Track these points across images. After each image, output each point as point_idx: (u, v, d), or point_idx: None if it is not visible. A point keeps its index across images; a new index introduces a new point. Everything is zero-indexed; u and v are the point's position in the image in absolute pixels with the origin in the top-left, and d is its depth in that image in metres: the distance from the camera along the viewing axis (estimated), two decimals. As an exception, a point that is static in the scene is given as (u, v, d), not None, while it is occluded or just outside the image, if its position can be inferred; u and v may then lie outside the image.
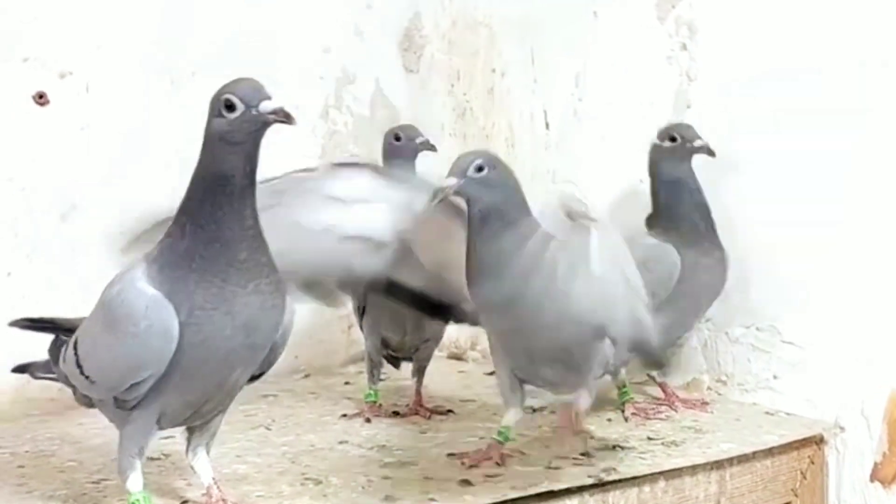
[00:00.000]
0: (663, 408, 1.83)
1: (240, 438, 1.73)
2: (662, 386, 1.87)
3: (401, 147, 1.85)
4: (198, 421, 1.36)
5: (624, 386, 1.83)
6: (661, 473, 1.61)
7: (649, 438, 1.71)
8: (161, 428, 1.34)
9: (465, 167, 1.47)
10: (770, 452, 1.74)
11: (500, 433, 1.58)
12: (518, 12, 2.23)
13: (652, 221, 1.83)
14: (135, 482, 1.32)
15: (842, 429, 1.81)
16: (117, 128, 2.05)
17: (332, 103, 2.33)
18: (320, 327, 2.28)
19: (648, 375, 1.90)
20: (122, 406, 1.31)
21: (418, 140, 1.86)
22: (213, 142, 1.25)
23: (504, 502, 1.46)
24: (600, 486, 1.55)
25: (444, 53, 2.35)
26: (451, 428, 1.80)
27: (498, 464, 1.56)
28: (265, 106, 1.23)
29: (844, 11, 1.80)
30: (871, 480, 1.79)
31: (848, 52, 1.79)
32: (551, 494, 1.50)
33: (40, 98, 1.99)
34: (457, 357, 2.34)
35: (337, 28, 2.32)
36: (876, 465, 1.79)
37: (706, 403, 1.87)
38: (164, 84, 2.12)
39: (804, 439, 1.78)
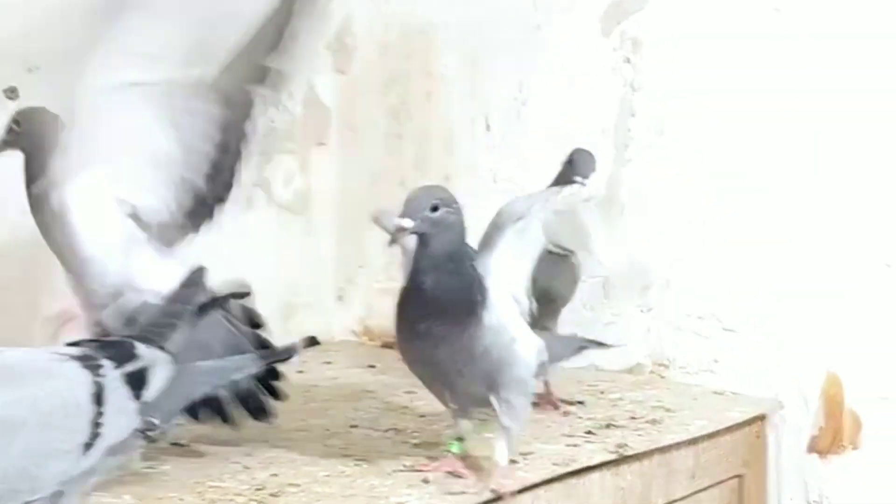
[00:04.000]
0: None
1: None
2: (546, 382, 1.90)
3: (563, 174, 1.89)
4: None
5: None
6: (657, 449, 1.79)
7: (632, 418, 1.88)
8: None
9: (422, 207, 1.45)
10: (730, 429, 1.94)
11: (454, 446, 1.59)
12: (457, 21, 2.36)
13: None
14: None
15: (781, 406, 2.03)
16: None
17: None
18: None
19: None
20: None
21: (576, 178, 1.86)
22: None
23: (554, 478, 1.60)
24: (614, 462, 1.71)
25: (378, 56, 2.45)
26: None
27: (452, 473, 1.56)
28: None
29: (776, 24, 2.03)
30: (809, 452, 2.02)
31: (784, 60, 2.02)
32: (585, 470, 1.65)
33: (11, 93, 1.99)
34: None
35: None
36: (813, 437, 2.02)
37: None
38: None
39: (754, 416, 1.99)
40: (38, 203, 1.57)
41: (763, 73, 2.04)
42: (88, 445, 1.20)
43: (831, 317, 2.00)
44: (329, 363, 2.28)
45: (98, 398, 1.21)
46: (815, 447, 2.02)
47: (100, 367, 1.22)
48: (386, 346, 2.48)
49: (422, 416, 1.88)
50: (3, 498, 1.16)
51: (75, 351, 1.25)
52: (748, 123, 2.06)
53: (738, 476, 1.97)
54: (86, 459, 1.20)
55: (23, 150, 1.60)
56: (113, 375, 1.23)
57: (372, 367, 2.21)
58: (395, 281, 2.23)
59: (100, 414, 1.21)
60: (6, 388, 1.17)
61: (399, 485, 1.52)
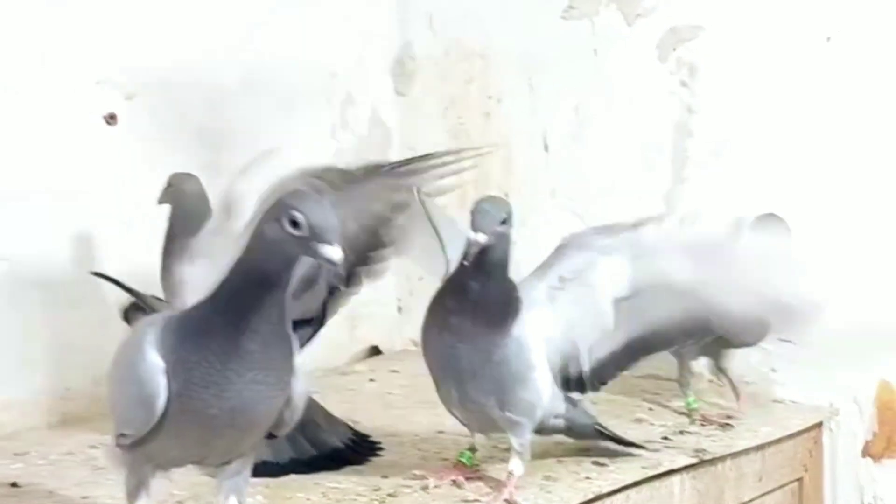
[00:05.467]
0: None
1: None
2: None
3: None
4: (211, 466, 1.35)
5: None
6: (729, 454, 1.89)
7: (702, 424, 1.98)
8: (162, 469, 1.34)
9: (494, 221, 1.52)
10: (792, 435, 2.05)
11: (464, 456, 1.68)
12: (515, 46, 2.46)
13: None
14: None
15: (837, 413, 2.14)
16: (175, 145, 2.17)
17: (338, 124, 2.51)
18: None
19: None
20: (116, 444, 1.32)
21: None
22: (266, 243, 1.24)
23: (641, 480, 1.71)
24: (692, 466, 1.82)
25: (438, 79, 2.56)
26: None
27: (454, 481, 1.64)
28: (325, 250, 1.21)
29: (828, 52, 2.14)
30: (863, 456, 2.13)
31: (835, 85, 2.13)
32: (667, 473, 1.76)
33: (111, 118, 2.09)
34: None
35: (342, 55, 2.50)
36: (867, 442, 2.13)
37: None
38: (199, 103, 2.25)
39: (813, 423, 2.10)
40: (169, 256, 1.80)
41: (814, 97, 2.15)
42: None
43: (883, 328, 2.09)
44: (396, 371, 2.39)
45: None
46: (868, 452, 2.13)
47: None
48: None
49: (502, 423, 1.98)
50: None
51: None
52: (800, 145, 2.17)
53: (798, 479, 2.08)
54: None
55: (171, 205, 1.89)
56: None
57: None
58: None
59: None
60: None
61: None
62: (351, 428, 1.79)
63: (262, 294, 1.23)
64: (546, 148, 2.45)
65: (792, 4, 2.18)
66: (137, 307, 1.78)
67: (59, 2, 2.02)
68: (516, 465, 1.60)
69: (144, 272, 2.01)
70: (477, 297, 1.55)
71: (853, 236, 2.14)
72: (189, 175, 1.91)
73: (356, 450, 1.75)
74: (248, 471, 1.35)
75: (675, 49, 2.29)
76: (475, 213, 1.51)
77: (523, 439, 1.61)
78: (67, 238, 2.05)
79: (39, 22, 1.99)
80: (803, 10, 2.16)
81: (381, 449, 1.79)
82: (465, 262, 1.51)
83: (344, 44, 2.51)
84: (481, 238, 1.50)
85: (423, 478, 1.65)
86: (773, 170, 2.20)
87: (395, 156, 2.62)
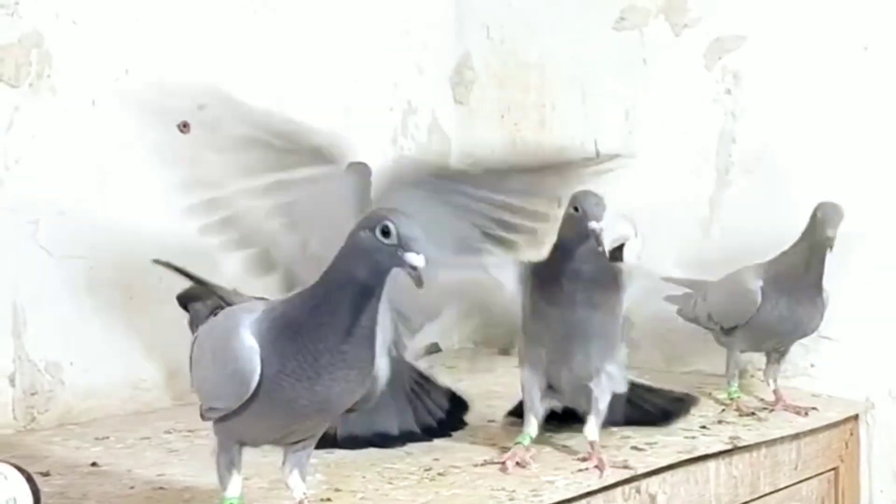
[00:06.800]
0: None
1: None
2: (775, 392, 2.17)
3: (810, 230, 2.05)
4: (284, 444, 1.45)
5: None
6: (764, 442, 2.00)
7: (740, 415, 2.09)
8: (246, 446, 1.44)
9: (604, 210, 1.73)
10: (828, 426, 2.14)
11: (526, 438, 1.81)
12: (568, 56, 2.59)
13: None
14: (233, 490, 1.42)
15: (873, 406, 2.23)
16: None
17: (400, 131, 2.65)
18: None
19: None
20: (203, 417, 1.43)
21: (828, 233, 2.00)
22: (358, 250, 1.34)
23: (676, 464, 1.82)
24: (727, 452, 1.92)
25: (495, 89, 2.69)
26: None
27: (518, 464, 1.75)
28: (409, 257, 1.30)
29: (865, 60, 2.24)
30: (898, 448, 2.23)
31: (871, 93, 2.24)
32: (703, 458, 1.87)
33: (184, 127, 2.23)
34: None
35: (404, 66, 2.64)
36: (902, 435, 2.23)
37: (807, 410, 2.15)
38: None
39: (849, 416, 2.20)
40: None
41: (852, 104, 2.25)
42: None
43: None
44: (454, 368, 2.51)
45: None
46: (903, 444, 2.22)
47: None
48: (502, 352, 2.70)
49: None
50: None
51: None
52: (839, 150, 2.27)
53: (834, 469, 2.18)
54: None
55: None
56: None
57: (491, 371, 2.44)
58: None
59: None
60: None
61: (546, 467, 1.74)
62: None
63: (357, 301, 1.33)
64: (598, 154, 2.56)
65: (830, 15, 2.28)
66: (194, 296, 1.80)
67: (141, 20, 2.17)
68: (595, 432, 1.77)
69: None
70: (591, 276, 1.74)
71: (891, 237, 2.23)
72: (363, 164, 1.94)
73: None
74: (311, 447, 1.47)
75: (720, 58, 2.40)
76: (595, 205, 1.73)
77: (612, 392, 1.80)
78: (143, 239, 2.19)
79: (125, 38, 2.14)
80: (841, 21, 2.26)
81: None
82: (602, 249, 1.73)
83: (405, 55, 2.65)
84: (602, 226, 1.70)
85: (491, 462, 1.77)
86: (813, 175, 2.29)
87: (454, 161, 2.76)
